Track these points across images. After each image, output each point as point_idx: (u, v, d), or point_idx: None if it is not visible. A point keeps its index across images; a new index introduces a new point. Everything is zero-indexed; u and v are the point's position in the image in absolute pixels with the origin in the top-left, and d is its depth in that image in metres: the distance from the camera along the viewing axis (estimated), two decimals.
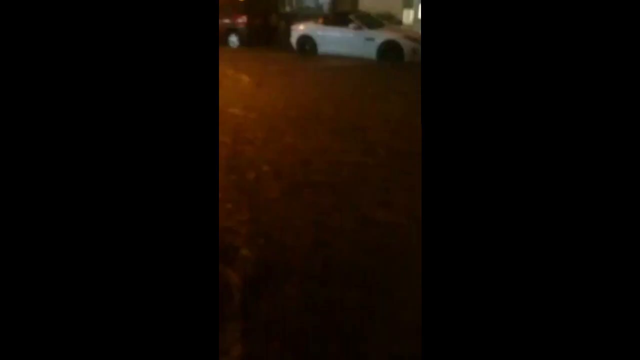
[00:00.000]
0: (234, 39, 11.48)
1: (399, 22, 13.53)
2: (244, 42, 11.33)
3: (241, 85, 6.86)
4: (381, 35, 9.30)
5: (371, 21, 10.08)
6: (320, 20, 10.62)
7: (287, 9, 16.45)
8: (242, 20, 11.27)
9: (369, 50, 9.31)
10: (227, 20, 11.42)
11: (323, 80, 7.44)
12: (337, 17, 10.44)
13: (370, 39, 9.32)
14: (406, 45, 8.91)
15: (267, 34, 11.85)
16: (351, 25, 9.65)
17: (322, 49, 10.11)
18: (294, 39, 10.55)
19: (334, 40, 9.88)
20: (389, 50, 9.08)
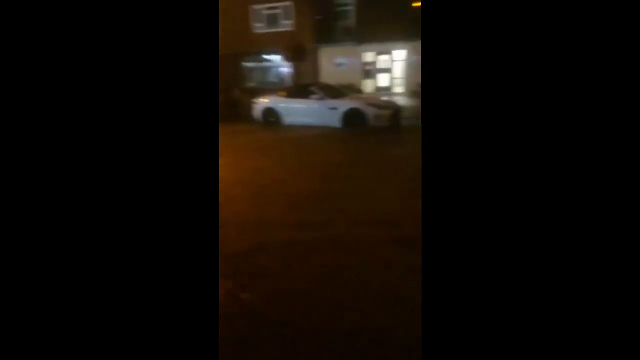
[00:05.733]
0: None
1: (359, 91, 14.01)
2: None
3: None
4: (344, 104, 9.47)
5: (333, 91, 10.31)
6: (283, 92, 10.79)
7: (250, 84, 16.86)
8: None
9: (333, 119, 9.42)
10: None
11: (288, 147, 7.33)
12: (299, 89, 10.63)
13: (334, 108, 9.46)
14: (369, 111, 9.09)
15: (229, 108, 11.91)
16: (313, 96, 9.82)
17: (287, 119, 10.17)
18: (257, 112, 10.61)
19: (298, 111, 9.99)
20: (352, 117, 9.21)
